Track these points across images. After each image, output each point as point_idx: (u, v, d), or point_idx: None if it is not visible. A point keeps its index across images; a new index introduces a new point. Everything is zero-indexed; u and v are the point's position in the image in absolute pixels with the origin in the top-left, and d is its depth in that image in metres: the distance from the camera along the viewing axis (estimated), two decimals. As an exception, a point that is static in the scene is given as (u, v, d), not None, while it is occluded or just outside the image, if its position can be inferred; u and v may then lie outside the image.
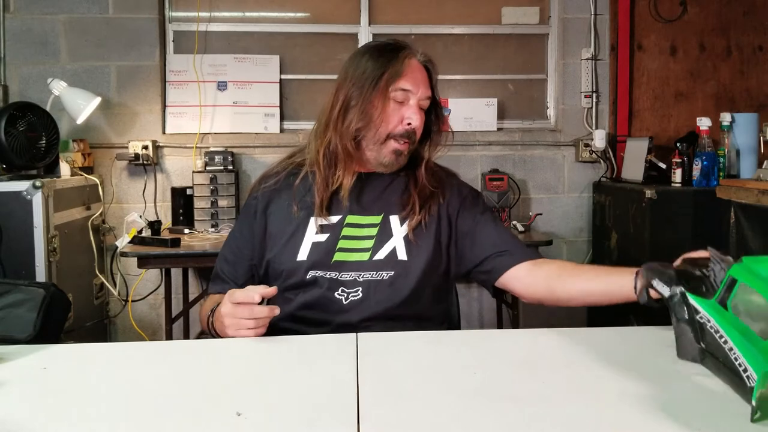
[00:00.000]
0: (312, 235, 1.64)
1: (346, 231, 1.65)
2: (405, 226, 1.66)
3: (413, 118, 1.62)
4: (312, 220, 1.64)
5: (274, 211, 1.69)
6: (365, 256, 1.63)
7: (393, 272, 1.62)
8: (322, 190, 1.65)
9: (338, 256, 1.62)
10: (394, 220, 1.67)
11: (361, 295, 1.60)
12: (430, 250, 1.67)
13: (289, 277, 1.64)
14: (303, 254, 1.62)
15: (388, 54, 1.64)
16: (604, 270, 1.57)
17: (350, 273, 1.61)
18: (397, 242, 1.65)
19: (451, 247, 1.72)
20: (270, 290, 1.40)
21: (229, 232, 1.81)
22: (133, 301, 3.78)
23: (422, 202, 1.68)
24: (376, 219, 1.67)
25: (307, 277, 1.61)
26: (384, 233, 1.65)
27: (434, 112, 1.72)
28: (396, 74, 1.62)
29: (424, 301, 1.68)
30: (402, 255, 1.64)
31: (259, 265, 1.71)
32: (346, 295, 1.60)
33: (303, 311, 1.62)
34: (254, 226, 1.71)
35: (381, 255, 1.63)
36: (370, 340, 1.37)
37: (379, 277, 1.62)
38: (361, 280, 1.61)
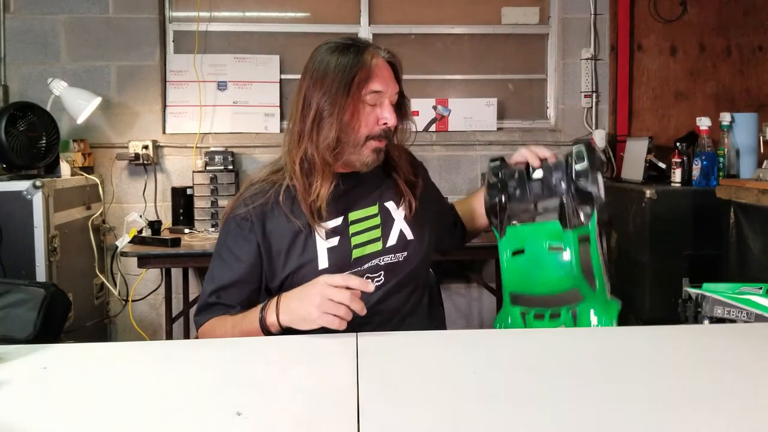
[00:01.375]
0: (323, 242, 1.64)
1: (353, 228, 1.68)
2: (401, 209, 1.74)
3: (389, 118, 1.63)
4: (316, 228, 1.63)
5: (273, 229, 1.64)
6: (378, 245, 1.68)
7: (406, 252, 1.71)
8: (306, 201, 1.63)
9: (356, 253, 1.66)
10: (390, 205, 1.74)
11: (383, 279, 1.67)
12: (429, 226, 1.79)
13: None
14: (323, 262, 1.63)
15: (353, 56, 1.63)
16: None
17: (371, 261, 1.67)
18: (401, 225, 1.73)
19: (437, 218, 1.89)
20: (371, 286, 1.42)
21: (217, 259, 1.69)
22: (133, 300, 3.80)
23: (409, 185, 1.76)
24: (374, 209, 1.72)
25: None
26: (387, 220, 1.72)
27: (401, 104, 1.74)
28: (366, 77, 1.61)
29: (426, 269, 1.84)
30: (410, 235, 1.73)
31: (270, 284, 1.68)
32: (371, 281, 1.60)
33: None
34: (260, 247, 1.64)
35: (392, 240, 1.70)
36: (370, 340, 1.38)
37: (395, 259, 1.69)
38: (382, 264, 1.68)
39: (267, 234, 1.64)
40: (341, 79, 1.60)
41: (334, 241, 1.65)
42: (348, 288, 1.38)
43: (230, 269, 1.65)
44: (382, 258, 1.68)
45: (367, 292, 1.41)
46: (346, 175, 1.70)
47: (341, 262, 1.64)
